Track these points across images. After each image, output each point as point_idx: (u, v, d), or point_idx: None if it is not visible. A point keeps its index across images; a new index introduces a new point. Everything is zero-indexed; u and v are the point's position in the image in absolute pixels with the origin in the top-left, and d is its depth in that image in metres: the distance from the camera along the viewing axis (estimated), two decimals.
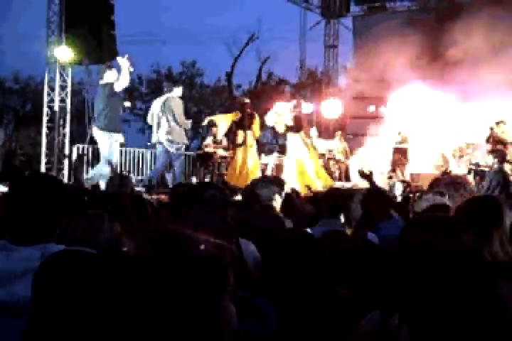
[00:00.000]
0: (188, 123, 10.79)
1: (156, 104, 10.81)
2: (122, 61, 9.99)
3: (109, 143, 9.89)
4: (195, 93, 34.90)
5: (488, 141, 13.48)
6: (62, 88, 15.05)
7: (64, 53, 14.02)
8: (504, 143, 13.11)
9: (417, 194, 8.80)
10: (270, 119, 12.93)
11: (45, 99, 15.03)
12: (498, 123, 13.46)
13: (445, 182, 4.05)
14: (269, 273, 2.49)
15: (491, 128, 13.47)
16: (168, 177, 11.38)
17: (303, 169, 12.47)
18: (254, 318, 2.10)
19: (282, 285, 2.42)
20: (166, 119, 10.42)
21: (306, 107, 16.98)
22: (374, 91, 17.83)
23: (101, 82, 10.25)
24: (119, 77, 9.99)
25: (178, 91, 10.72)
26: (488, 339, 1.55)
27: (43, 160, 14.96)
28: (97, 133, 10.09)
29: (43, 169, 14.70)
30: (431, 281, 1.60)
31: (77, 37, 14.07)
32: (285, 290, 2.40)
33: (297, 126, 12.79)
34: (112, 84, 10.01)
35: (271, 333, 2.16)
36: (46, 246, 2.29)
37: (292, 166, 12.47)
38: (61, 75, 15.01)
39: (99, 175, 9.61)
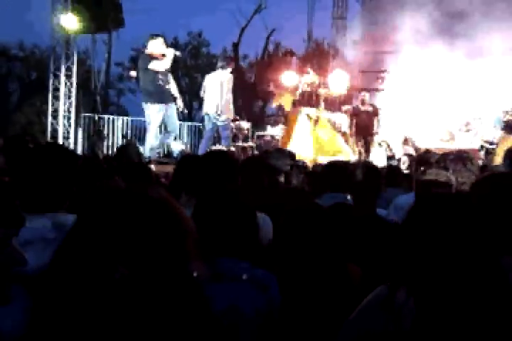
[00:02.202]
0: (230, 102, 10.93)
1: (210, 79, 10.99)
2: (169, 51, 9.88)
3: (162, 115, 9.85)
4: (201, 63, 34.73)
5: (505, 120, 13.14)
6: (68, 56, 14.95)
7: (70, 21, 13.91)
8: None
9: (421, 168, 8.75)
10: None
11: (51, 67, 14.95)
12: None
13: (452, 157, 4.01)
14: (279, 246, 2.49)
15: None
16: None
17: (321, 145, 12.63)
18: (258, 289, 2.12)
19: (293, 258, 2.42)
20: (218, 94, 10.58)
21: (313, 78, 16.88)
22: (382, 63, 17.68)
23: (146, 51, 9.92)
24: (163, 54, 9.85)
25: (229, 70, 10.90)
26: (492, 313, 1.57)
27: (49, 129, 14.95)
28: (145, 106, 9.99)
29: (48, 138, 14.69)
30: (439, 256, 1.62)
31: (83, 5, 13.93)
32: (296, 264, 2.40)
33: (306, 101, 12.98)
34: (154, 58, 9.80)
35: (275, 304, 2.18)
36: (56, 215, 2.30)
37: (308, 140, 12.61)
38: (67, 43, 14.89)
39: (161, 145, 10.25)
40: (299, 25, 26.46)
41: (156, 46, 9.78)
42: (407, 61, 16.52)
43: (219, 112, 10.62)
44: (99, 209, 1.18)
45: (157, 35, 10.09)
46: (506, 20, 14.69)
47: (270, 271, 2.24)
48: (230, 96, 10.82)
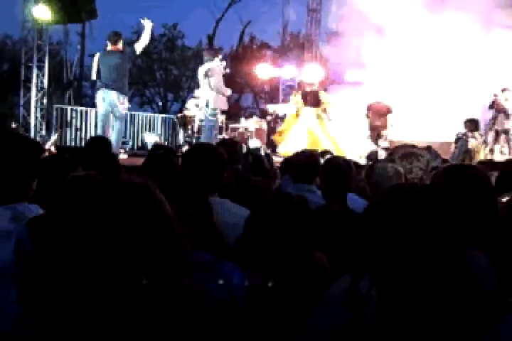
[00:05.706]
0: (228, 90, 11.05)
1: (199, 72, 11.06)
2: (146, 23, 9.63)
3: (126, 106, 9.77)
4: (177, 55, 34.56)
5: (491, 107, 13.32)
6: (40, 48, 14.77)
7: (41, 12, 13.72)
8: (505, 112, 12.98)
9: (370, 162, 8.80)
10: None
11: (23, 59, 14.77)
12: (503, 90, 13.24)
13: (399, 155, 3.98)
14: (249, 236, 2.45)
15: (495, 95, 13.25)
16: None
17: (314, 139, 12.98)
18: (219, 282, 2.11)
19: (264, 249, 2.39)
20: (208, 86, 10.74)
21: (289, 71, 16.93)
22: (355, 56, 17.72)
23: (113, 47, 9.55)
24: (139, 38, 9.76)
25: (217, 60, 10.88)
26: (454, 301, 1.57)
27: (21, 121, 14.77)
28: (116, 95, 9.55)
29: (20, 131, 14.52)
30: (401, 245, 1.61)
31: None
32: (267, 254, 2.38)
33: (315, 102, 13.36)
34: (131, 49, 9.66)
35: (238, 296, 2.16)
36: (16, 206, 2.26)
37: (303, 135, 13.05)
38: (39, 35, 14.71)
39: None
40: (273, 18, 26.47)
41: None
42: (384, 53, 16.56)
43: (210, 105, 10.75)
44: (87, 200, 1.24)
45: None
46: None
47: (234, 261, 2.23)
48: (221, 88, 10.82)
